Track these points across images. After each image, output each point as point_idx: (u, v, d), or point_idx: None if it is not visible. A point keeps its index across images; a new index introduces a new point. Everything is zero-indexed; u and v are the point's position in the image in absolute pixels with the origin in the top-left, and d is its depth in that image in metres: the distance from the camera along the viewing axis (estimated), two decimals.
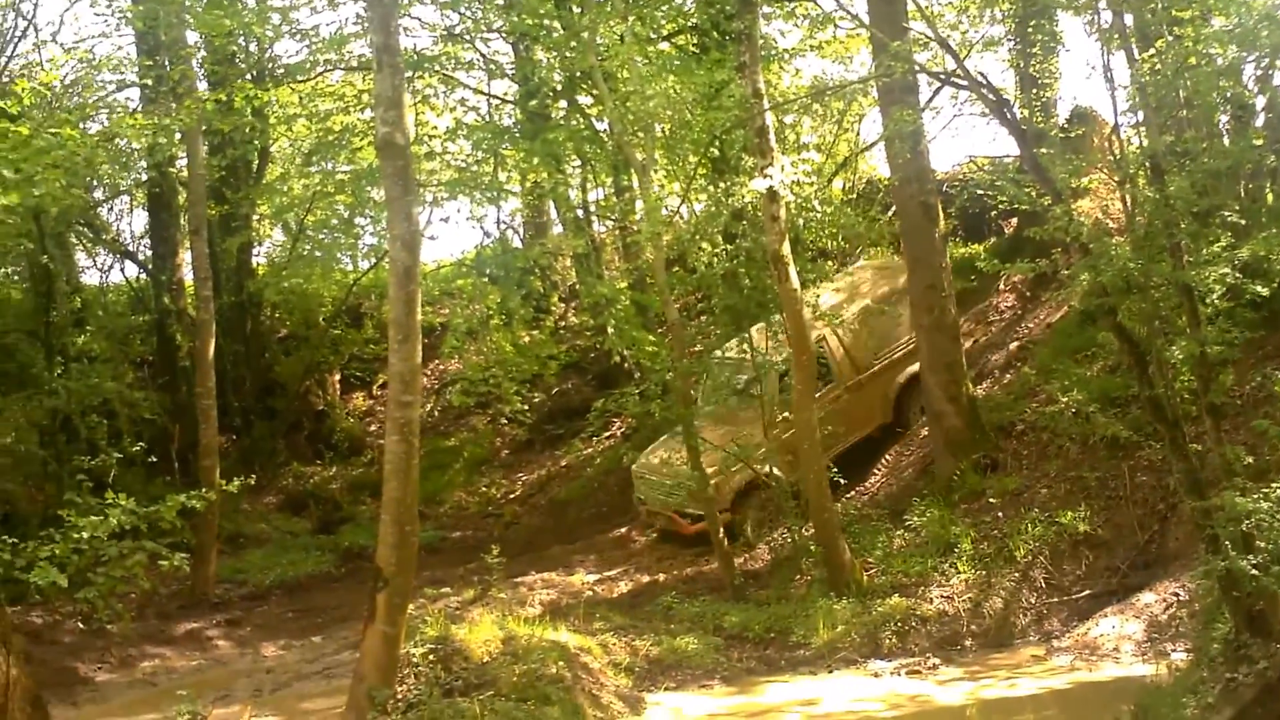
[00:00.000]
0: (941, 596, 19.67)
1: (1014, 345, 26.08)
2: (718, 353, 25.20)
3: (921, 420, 24.61)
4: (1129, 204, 17.72)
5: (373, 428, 34.17)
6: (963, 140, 64.02)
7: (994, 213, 28.05)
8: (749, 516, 23.63)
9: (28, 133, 9.92)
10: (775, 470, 22.74)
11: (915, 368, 24.45)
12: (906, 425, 25.20)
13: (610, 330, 27.19)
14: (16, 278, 28.31)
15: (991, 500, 21.61)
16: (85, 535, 8.52)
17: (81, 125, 23.46)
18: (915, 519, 21.63)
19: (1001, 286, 28.21)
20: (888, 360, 25.25)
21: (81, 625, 22.15)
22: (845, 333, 24.51)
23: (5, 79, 26.27)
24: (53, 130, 11.24)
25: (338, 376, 35.50)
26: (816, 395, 22.14)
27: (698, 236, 22.90)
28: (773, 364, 22.84)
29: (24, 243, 12.14)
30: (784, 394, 22.80)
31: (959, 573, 19.98)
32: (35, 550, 8.39)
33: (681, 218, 24.11)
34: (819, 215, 23.61)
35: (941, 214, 23.65)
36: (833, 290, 24.40)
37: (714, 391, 25.11)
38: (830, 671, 18.40)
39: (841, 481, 22.14)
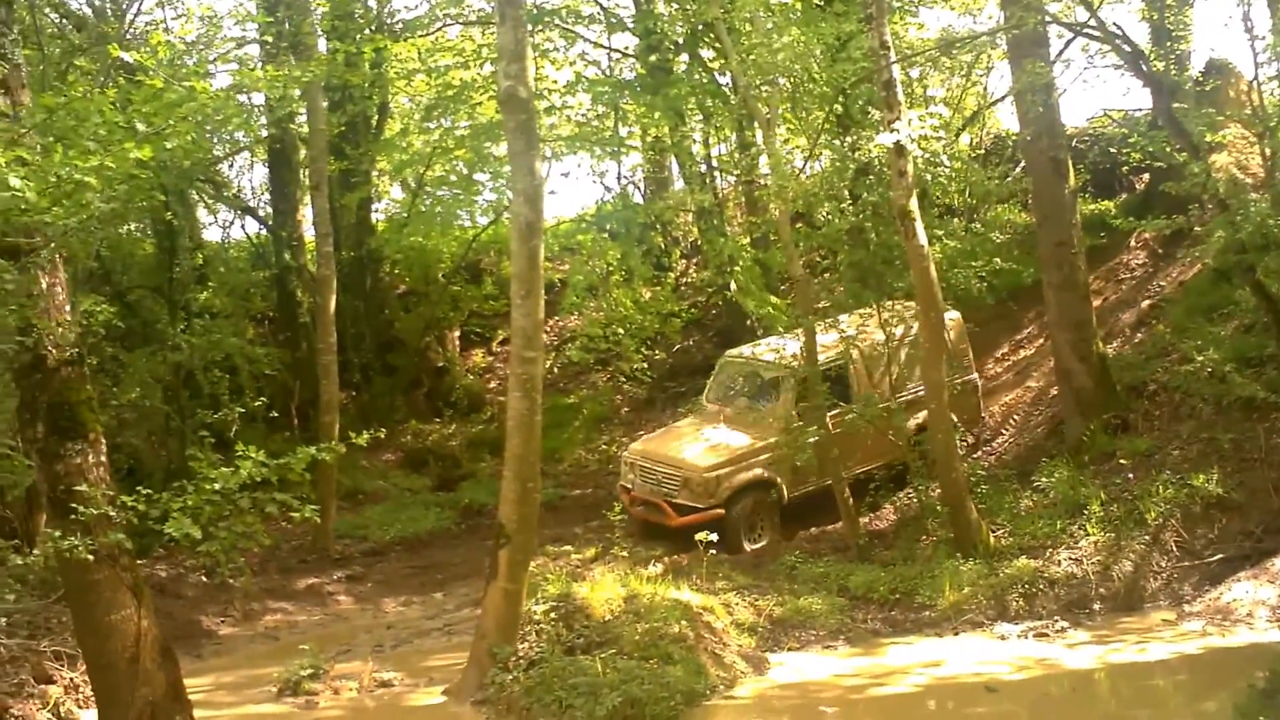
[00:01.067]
0: (1070, 559, 19.49)
1: (1145, 303, 25.76)
2: (731, 351, 25.34)
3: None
4: (1268, 158, 17.49)
5: (492, 384, 34.32)
6: (1093, 94, 62.89)
7: (1125, 168, 27.74)
8: (740, 518, 22.89)
9: (160, 85, 10.04)
10: (776, 477, 23.09)
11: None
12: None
13: (734, 287, 27.23)
14: (139, 234, 28.63)
15: (1122, 461, 21.39)
16: (217, 487, 8.65)
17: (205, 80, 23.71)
18: (1044, 479, 21.49)
19: (1132, 243, 27.91)
20: (909, 398, 23.82)
21: (205, 579, 22.50)
22: (870, 358, 23.62)
23: (129, 35, 26.54)
24: (184, 84, 11.37)
25: (457, 333, 35.63)
26: (833, 413, 22.50)
27: (823, 192, 22.80)
28: (793, 370, 23.05)
29: (155, 196, 12.31)
30: (800, 404, 22.99)
31: (1088, 535, 19.80)
32: (168, 502, 8.53)
33: (806, 173, 23.99)
34: (947, 170, 23.43)
35: (1071, 169, 23.39)
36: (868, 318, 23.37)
37: (721, 391, 25.03)
38: (956, 634, 18.32)
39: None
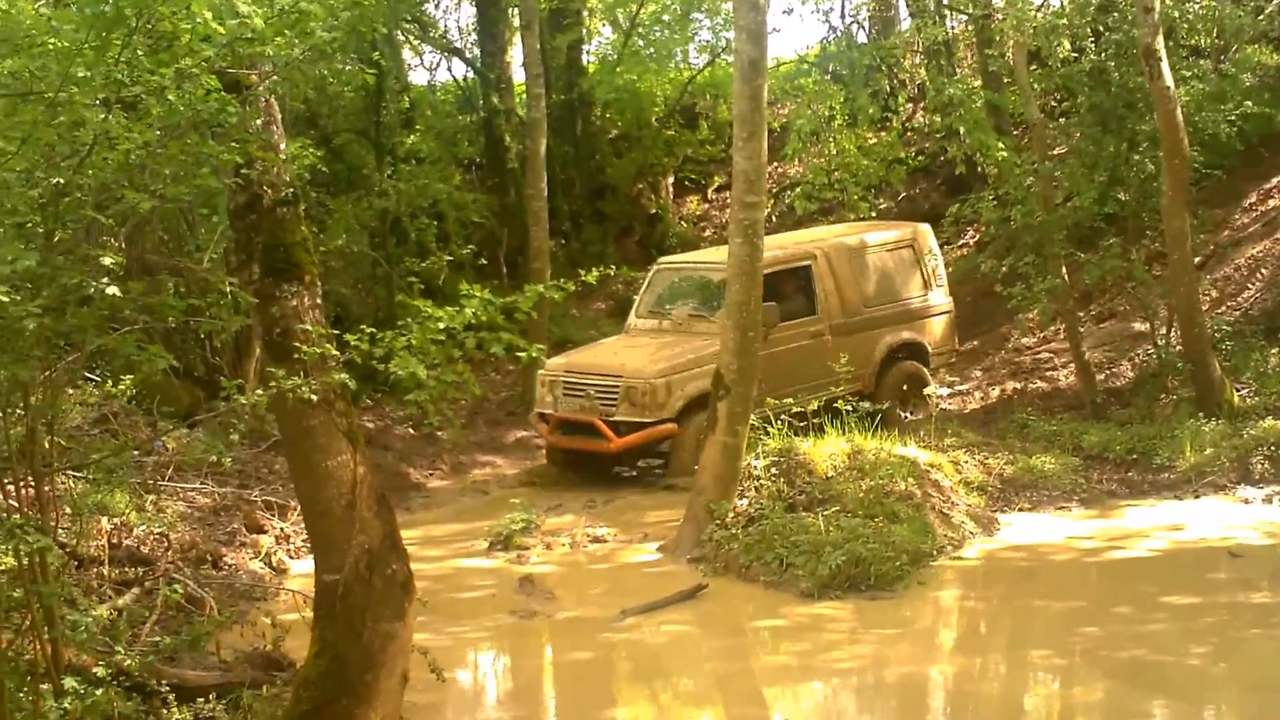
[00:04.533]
0: None
1: None
2: (665, 259, 23.90)
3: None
4: None
5: (707, 233, 34.39)
6: None
7: None
8: (696, 436, 18.99)
9: None
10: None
11: (906, 334, 22.44)
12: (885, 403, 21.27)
13: (962, 132, 26.89)
14: (348, 74, 29.00)
15: None
16: (442, 326, 8.80)
17: None
18: None
19: None
20: (877, 314, 22.42)
21: (412, 431, 22.97)
22: (836, 262, 22.11)
23: None
24: None
25: (671, 179, 35.74)
26: (794, 325, 21.38)
27: (1062, 29, 22.40)
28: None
29: (379, 28, 12.32)
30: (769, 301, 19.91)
31: None
32: (392, 340, 8.69)
33: (1044, 10, 23.61)
34: (1195, 7, 22.85)
35: None
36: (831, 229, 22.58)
37: (656, 304, 22.54)
38: (1196, 496, 18.04)
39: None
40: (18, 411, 7.29)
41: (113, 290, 6.79)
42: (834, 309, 21.93)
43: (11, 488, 7.53)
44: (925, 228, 23.47)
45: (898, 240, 22.92)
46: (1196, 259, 22.13)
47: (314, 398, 8.24)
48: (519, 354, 9.16)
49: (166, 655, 10.70)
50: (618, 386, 20.38)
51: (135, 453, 14.05)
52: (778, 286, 20.86)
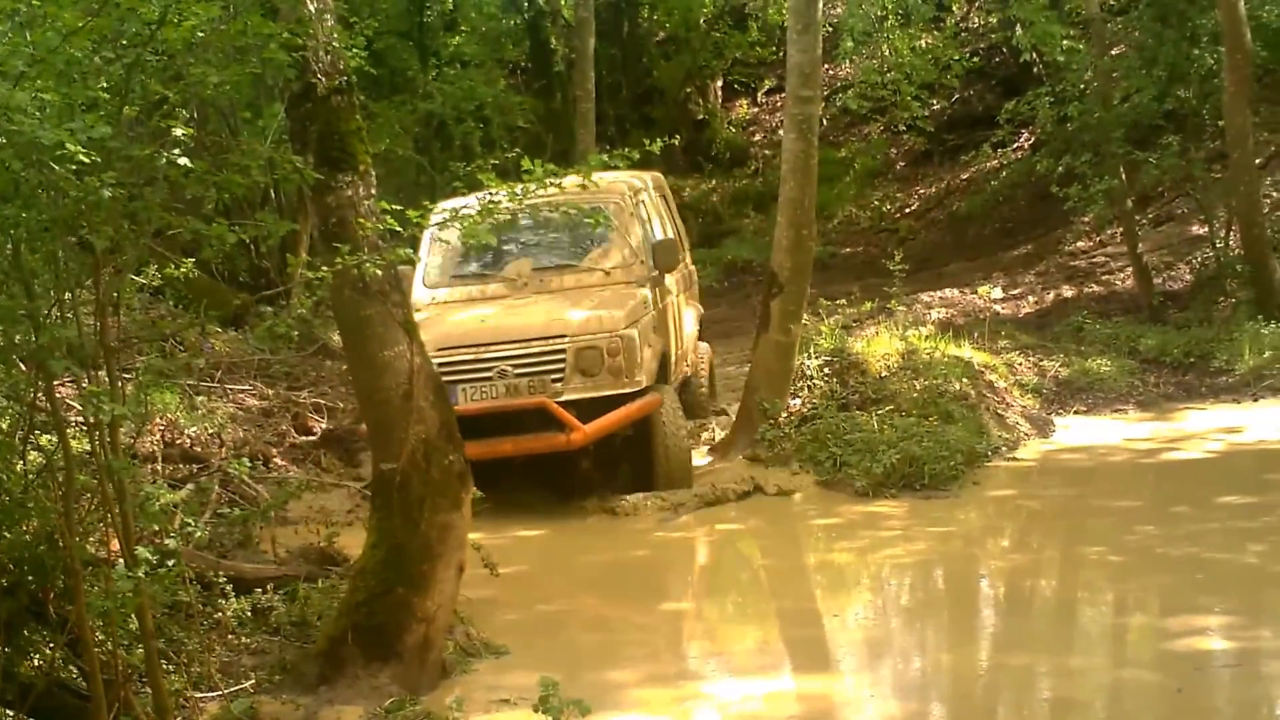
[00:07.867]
0: None
1: None
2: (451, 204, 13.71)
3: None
4: None
5: (757, 137, 34.48)
6: None
7: None
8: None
9: None
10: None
11: (698, 306, 19.09)
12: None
13: (1018, 29, 26.87)
14: None
15: None
16: (505, 204, 9.05)
17: None
18: None
19: None
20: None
21: None
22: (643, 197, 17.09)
23: None
24: None
25: (720, 83, 35.78)
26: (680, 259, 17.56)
27: None
28: (630, 194, 16.50)
29: None
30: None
31: None
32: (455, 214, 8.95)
33: None
34: None
35: None
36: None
37: (455, 267, 15.91)
38: (1255, 400, 18.19)
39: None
40: (84, 293, 7.50)
41: (184, 161, 6.99)
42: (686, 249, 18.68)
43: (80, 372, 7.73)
44: (656, 177, 18.69)
45: (655, 185, 18.31)
46: (1258, 159, 22.22)
47: (379, 272, 8.44)
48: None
49: (223, 549, 11.07)
50: (560, 350, 14.46)
51: (184, 354, 14.33)
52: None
